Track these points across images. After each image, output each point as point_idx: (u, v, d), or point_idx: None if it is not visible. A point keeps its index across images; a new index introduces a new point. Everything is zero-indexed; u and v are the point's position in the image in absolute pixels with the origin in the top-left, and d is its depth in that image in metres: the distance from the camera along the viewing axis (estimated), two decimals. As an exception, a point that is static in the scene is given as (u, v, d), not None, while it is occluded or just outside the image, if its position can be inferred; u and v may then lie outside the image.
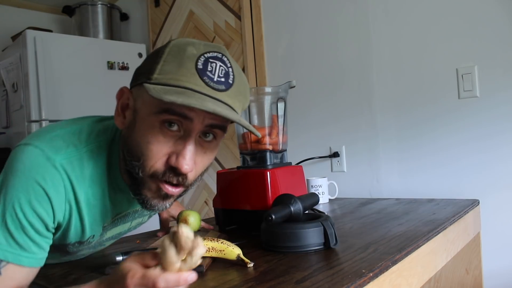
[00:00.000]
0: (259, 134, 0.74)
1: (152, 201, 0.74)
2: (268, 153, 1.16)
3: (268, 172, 1.09)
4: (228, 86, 0.70)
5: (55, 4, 3.09)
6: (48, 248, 0.74)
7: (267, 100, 1.22)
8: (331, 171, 1.94)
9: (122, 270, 0.56)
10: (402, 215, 1.25)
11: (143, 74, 0.71)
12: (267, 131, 1.20)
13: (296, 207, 0.93)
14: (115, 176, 0.79)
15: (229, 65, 0.71)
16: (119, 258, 0.80)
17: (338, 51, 1.91)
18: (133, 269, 0.55)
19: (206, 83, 0.67)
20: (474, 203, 1.43)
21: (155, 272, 0.54)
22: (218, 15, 2.34)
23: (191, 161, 0.70)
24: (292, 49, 2.08)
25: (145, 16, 2.84)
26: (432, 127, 1.67)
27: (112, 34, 2.87)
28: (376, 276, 0.74)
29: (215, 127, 0.72)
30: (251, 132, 0.73)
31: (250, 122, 1.24)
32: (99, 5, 2.82)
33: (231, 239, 0.93)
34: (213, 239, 0.84)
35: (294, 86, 1.26)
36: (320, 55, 1.97)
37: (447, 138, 1.64)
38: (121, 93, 0.75)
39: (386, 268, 0.78)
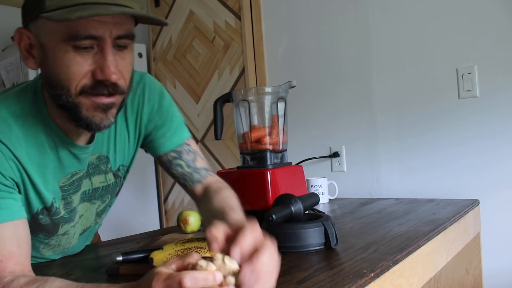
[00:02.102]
0: (167, 22, 0.77)
1: (94, 119, 0.74)
2: (268, 153, 1.16)
3: (268, 172, 1.09)
4: None
5: None
6: (17, 201, 0.75)
7: (267, 100, 1.22)
8: (331, 171, 1.94)
9: (149, 273, 0.56)
10: (402, 215, 1.25)
11: (34, 7, 0.70)
12: (267, 131, 1.20)
13: (297, 207, 0.93)
14: (51, 129, 0.79)
15: None
16: (119, 258, 0.80)
17: (338, 51, 1.91)
18: (160, 272, 0.55)
19: None
20: (474, 203, 1.43)
21: (181, 272, 0.53)
22: (218, 15, 2.34)
23: (116, 69, 0.72)
24: (292, 49, 2.08)
25: (145, 16, 2.84)
26: (432, 127, 1.67)
27: (112, 34, 2.87)
28: (377, 276, 0.74)
29: (125, 37, 0.72)
30: (159, 22, 0.73)
31: (250, 122, 1.24)
32: (99, 5, 2.81)
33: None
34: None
35: (294, 86, 1.26)
36: (320, 55, 1.97)
37: (447, 138, 1.64)
38: (19, 34, 0.74)
39: (387, 268, 0.78)
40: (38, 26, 0.72)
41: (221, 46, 2.33)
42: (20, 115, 0.77)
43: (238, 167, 1.22)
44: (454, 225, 1.17)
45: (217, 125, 1.29)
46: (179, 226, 1.16)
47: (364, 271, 0.73)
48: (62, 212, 0.85)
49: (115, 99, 0.75)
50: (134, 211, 2.54)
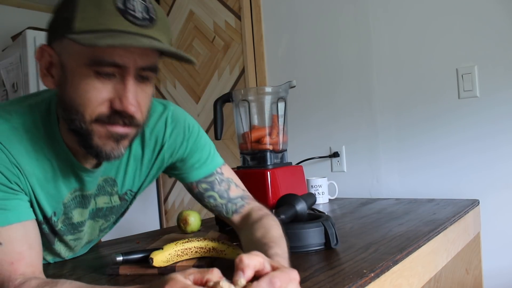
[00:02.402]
0: (196, 61, 0.73)
1: (105, 148, 0.71)
2: (268, 153, 1.16)
3: (268, 172, 1.09)
4: (153, 21, 0.68)
5: (55, 4, 3.08)
6: (25, 202, 0.74)
7: (268, 100, 1.22)
8: (331, 171, 1.94)
9: (165, 277, 0.53)
10: (403, 215, 1.25)
11: (61, 26, 0.68)
12: (267, 131, 1.20)
13: (301, 207, 0.94)
14: (60, 149, 0.77)
15: (147, 0, 0.70)
16: (119, 258, 0.80)
17: (338, 51, 1.91)
18: (176, 279, 0.52)
19: (131, 22, 0.66)
20: (474, 203, 1.43)
21: None
22: (218, 15, 2.34)
23: (135, 100, 0.70)
24: (292, 49, 2.08)
25: (145, 16, 2.84)
26: (432, 127, 1.67)
27: (112, 34, 2.87)
28: (377, 276, 0.74)
29: (148, 69, 0.71)
30: (187, 60, 0.71)
31: (250, 122, 1.24)
32: (99, 5, 2.81)
33: (232, 239, 0.93)
34: (213, 239, 0.84)
35: (294, 86, 1.26)
36: (320, 55, 1.97)
37: (447, 138, 1.64)
38: (41, 51, 0.72)
39: (387, 268, 0.78)
40: (63, 46, 0.69)
41: (221, 46, 2.33)
42: (31, 128, 0.75)
43: (238, 167, 1.22)
44: (454, 225, 1.17)
45: (217, 125, 1.29)
46: (179, 226, 1.16)
47: (364, 271, 0.73)
48: (59, 225, 0.84)
49: (130, 131, 0.73)
50: (134, 211, 2.53)
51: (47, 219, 0.81)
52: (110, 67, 0.67)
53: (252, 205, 0.93)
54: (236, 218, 0.91)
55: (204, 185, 0.91)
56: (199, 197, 0.93)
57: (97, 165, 0.82)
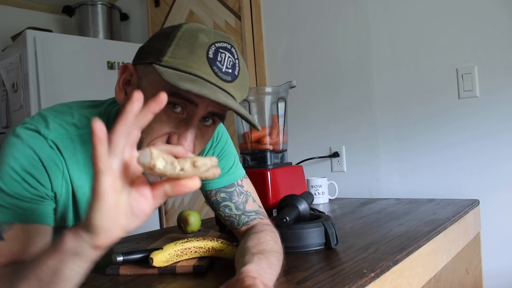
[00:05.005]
0: (260, 128, 0.75)
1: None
2: (268, 153, 1.16)
3: (268, 172, 1.09)
4: (234, 77, 0.71)
5: (55, 4, 3.08)
6: (49, 209, 0.73)
7: (268, 100, 1.22)
8: (331, 171, 1.94)
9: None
10: (403, 215, 1.25)
11: (151, 54, 0.70)
12: (267, 131, 1.20)
13: (304, 207, 0.94)
14: None
15: (236, 56, 0.72)
16: (120, 258, 0.80)
17: (338, 51, 1.91)
18: None
19: (215, 73, 0.68)
20: (474, 203, 1.43)
21: None
22: (218, 15, 2.34)
23: (191, 143, 0.71)
24: (292, 49, 2.08)
25: (145, 16, 2.84)
26: (432, 127, 1.67)
27: (112, 34, 2.87)
28: (377, 276, 0.74)
29: (216, 115, 0.73)
30: (253, 125, 0.73)
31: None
32: (99, 5, 2.81)
33: (231, 239, 0.93)
34: (213, 239, 0.84)
35: (294, 86, 1.26)
36: (320, 55, 1.97)
37: (447, 138, 1.64)
38: (125, 68, 0.74)
39: (387, 268, 0.78)
40: (146, 71, 0.71)
41: (221, 46, 2.33)
42: (86, 140, 0.76)
43: (238, 167, 1.22)
44: (454, 225, 1.17)
45: (217, 125, 1.28)
46: (179, 226, 1.16)
47: (364, 271, 0.73)
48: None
49: None
50: (134, 211, 2.53)
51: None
52: (182, 101, 0.68)
53: (263, 220, 0.93)
54: (243, 229, 0.91)
55: (223, 195, 0.91)
56: (215, 205, 0.93)
57: None
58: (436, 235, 1.03)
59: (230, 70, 0.70)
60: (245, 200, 0.93)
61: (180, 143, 0.69)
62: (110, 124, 0.78)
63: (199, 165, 0.49)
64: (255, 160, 1.19)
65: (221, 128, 0.94)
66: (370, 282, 0.72)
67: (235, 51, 0.72)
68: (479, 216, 1.49)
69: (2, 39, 2.86)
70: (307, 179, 1.58)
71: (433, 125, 1.67)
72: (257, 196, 0.96)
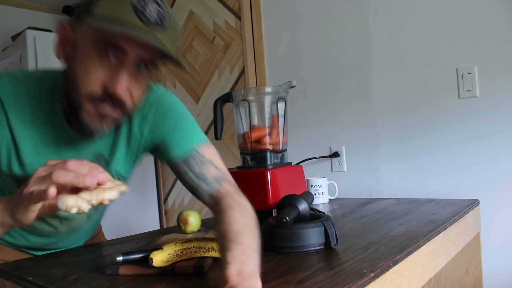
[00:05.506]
0: (188, 69, 0.82)
1: (89, 123, 0.79)
2: (268, 153, 1.16)
3: (268, 172, 1.09)
4: (164, 27, 0.75)
5: (55, 4, 3.08)
6: None
7: (267, 100, 1.22)
8: (331, 171, 1.94)
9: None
10: (403, 215, 1.25)
11: (82, 11, 0.76)
12: (267, 131, 1.20)
13: (304, 207, 0.94)
14: (59, 119, 0.86)
15: (163, 7, 0.76)
16: (119, 258, 0.80)
17: (338, 51, 1.91)
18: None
19: (143, 22, 0.73)
20: (474, 203, 1.43)
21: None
22: (218, 15, 2.34)
23: (127, 88, 0.76)
24: (292, 49, 2.08)
25: (145, 16, 2.84)
26: (432, 127, 1.67)
27: (112, 34, 2.87)
28: (377, 276, 0.74)
29: (148, 61, 0.77)
30: (182, 68, 0.77)
31: (250, 122, 1.24)
32: (99, 5, 2.81)
33: (232, 239, 0.93)
34: (213, 239, 0.84)
35: (294, 86, 1.26)
36: (321, 55, 1.97)
37: (447, 138, 1.64)
38: (61, 27, 0.80)
39: (387, 268, 0.78)
40: (80, 28, 0.77)
41: (221, 46, 2.33)
42: (35, 100, 0.84)
43: (238, 167, 1.22)
44: (454, 225, 1.17)
45: (217, 125, 1.29)
46: (179, 226, 1.16)
47: (364, 271, 0.73)
48: None
49: (117, 115, 0.79)
50: (134, 211, 2.54)
51: (27, 178, 0.88)
52: (113, 48, 0.74)
53: (226, 188, 0.91)
54: (209, 200, 0.91)
55: (182, 164, 0.92)
56: (180, 177, 0.95)
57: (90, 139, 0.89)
58: (436, 235, 1.03)
59: (158, 21, 0.74)
60: (205, 167, 0.92)
61: (115, 89, 0.75)
62: (46, 96, 0.86)
63: (106, 188, 0.63)
64: (255, 160, 1.19)
65: (174, 101, 0.97)
66: (370, 282, 0.72)
67: (162, 2, 0.77)
68: (479, 216, 1.49)
69: (2, 39, 2.86)
70: (307, 179, 1.58)
71: (433, 125, 1.67)
72: (221, 162, 0.95)
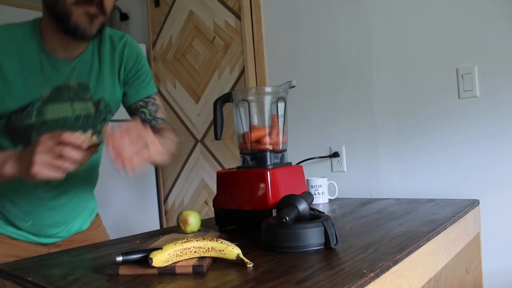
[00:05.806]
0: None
1: (81, 25, 0.95)
2: (268, 153, 1.16)
3: (268, 172, 1.09)
4: None
5: (55, 4, 3.08)
6: None
7: (267, 100, 1.22)
8: (331, 171, 1.94)
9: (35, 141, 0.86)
10: (402, 215, 1.25)
11: None
12: (267, 131, 1.20)
13: (303, 207, 0.94)
14: (41, 49, 1.03)
15: None
16: (119, 258, 0.80)
17: (339, 51, 1.91)
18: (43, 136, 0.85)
19: None
20: (474, 203, 1.43)
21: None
22: (218, 15, 2.34)
23: None
24: (292, 49, 2.08)
25: (145, 16, 2.84)
26: (432, 127, 1.67)
27: (112, 34, 2.87)
28: (377, 276, 0.74)
29: None
30: None
31: (250, 122, 1.24)
32: (99, 5, 2.82)
33: (231, 239, 0.93)
34: (213, 239, 0.84)
35: (294, 86, 1.25)
36: (321, 55, 1.97)
37: (447, 138, 1.64)
38: None
39: (387, 268, 0.78)
40: None
41: (221, 46, 2.33)
42: (16, 38, 1.01)
43: (238, 167, 1.22)
44: (454, 225, 1.17)
45: (217, 125, 1.29)
46: (179, 226, 1.16)
47: (364, 271, 0.73)
48: (33, 119, 1.04)
49: (100, 13, 0.96)
50: (134, 211, 2.54)
51: (21, 110, 1.02)
52: None
53: (167, 127, 1.21)
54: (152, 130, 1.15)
55: (141, 103, 1.21)
56: (134, 112, 1.21)
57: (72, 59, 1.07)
58: (436, 235, 1.03)
59: None
60: (156, 110, 1.23)
61: None
62: (36, 25, 1.06)
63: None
64: (255, 160, 1.19)
65: (140, 49, 1.21)
66: (369, 282, 0.72)
67: None
68: (479, 216, 1.49)
69: (2, 39, 2.86)
70: (307, 179, 1.58)
71: (433, 125, 1.67)
72: (165, 111, 1.27)
